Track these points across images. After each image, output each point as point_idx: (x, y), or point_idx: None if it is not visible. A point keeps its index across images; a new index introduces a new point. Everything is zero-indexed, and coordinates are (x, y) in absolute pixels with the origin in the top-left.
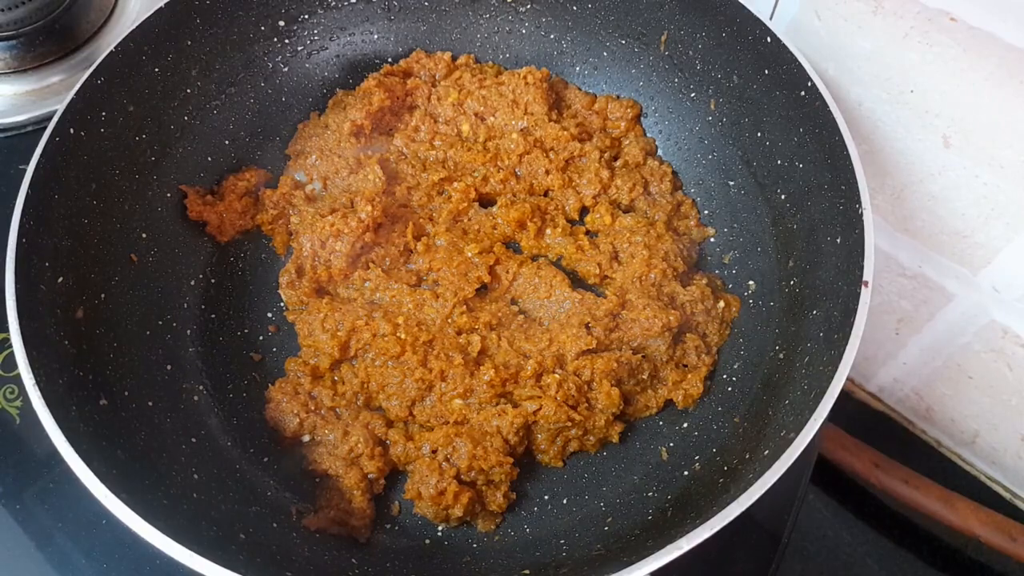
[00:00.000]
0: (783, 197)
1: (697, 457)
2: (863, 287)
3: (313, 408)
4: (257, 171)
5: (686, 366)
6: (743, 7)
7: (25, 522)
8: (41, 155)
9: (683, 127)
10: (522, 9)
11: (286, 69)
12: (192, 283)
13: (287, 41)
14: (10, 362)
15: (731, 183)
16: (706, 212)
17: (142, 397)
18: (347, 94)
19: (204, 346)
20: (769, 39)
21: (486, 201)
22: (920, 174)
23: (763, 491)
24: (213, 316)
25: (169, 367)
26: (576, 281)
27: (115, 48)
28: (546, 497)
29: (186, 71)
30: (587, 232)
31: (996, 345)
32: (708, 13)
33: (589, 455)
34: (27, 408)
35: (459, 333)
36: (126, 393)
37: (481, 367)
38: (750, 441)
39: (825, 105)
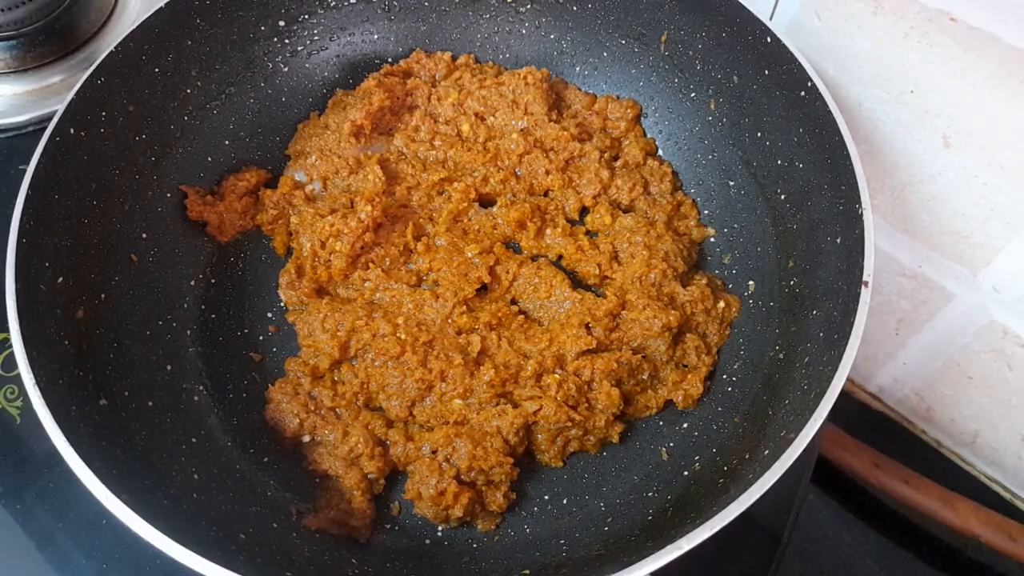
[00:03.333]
0: (783, 197)
1: (697, 457)
2: (863, 287)
3: (313, 408)
4: (257, 171)
5: (686, 366)
6: (743, 7)
7: (25, 522)
8: (41, 155)
9: (683, 127)
10: (522, 9)
11: (286, 69)
12: (192, 283)
13: (287, 41)
14: (10, 362)
15: (731, 183)
16: (706, 212)
17: (142, 397)
18: (347, 94)
19: (204, 346)
20: (769, 39)
21: (486, 201)
22: (920, 174)
23: (763, 491)
24: (213, 316)
25: (169, 367)
26: (576, 281)
27: (115, 48)
28: (546, 497)
29: (186, 71)
30: (587, 232)
31: (996, 345)
32: (708, 13)
33: (589, 455)
34: (27, 408)
35: (459, 333)
36: (126, 393)
37: (481, 367)
38: (750, 441)
39: (825, 105)
